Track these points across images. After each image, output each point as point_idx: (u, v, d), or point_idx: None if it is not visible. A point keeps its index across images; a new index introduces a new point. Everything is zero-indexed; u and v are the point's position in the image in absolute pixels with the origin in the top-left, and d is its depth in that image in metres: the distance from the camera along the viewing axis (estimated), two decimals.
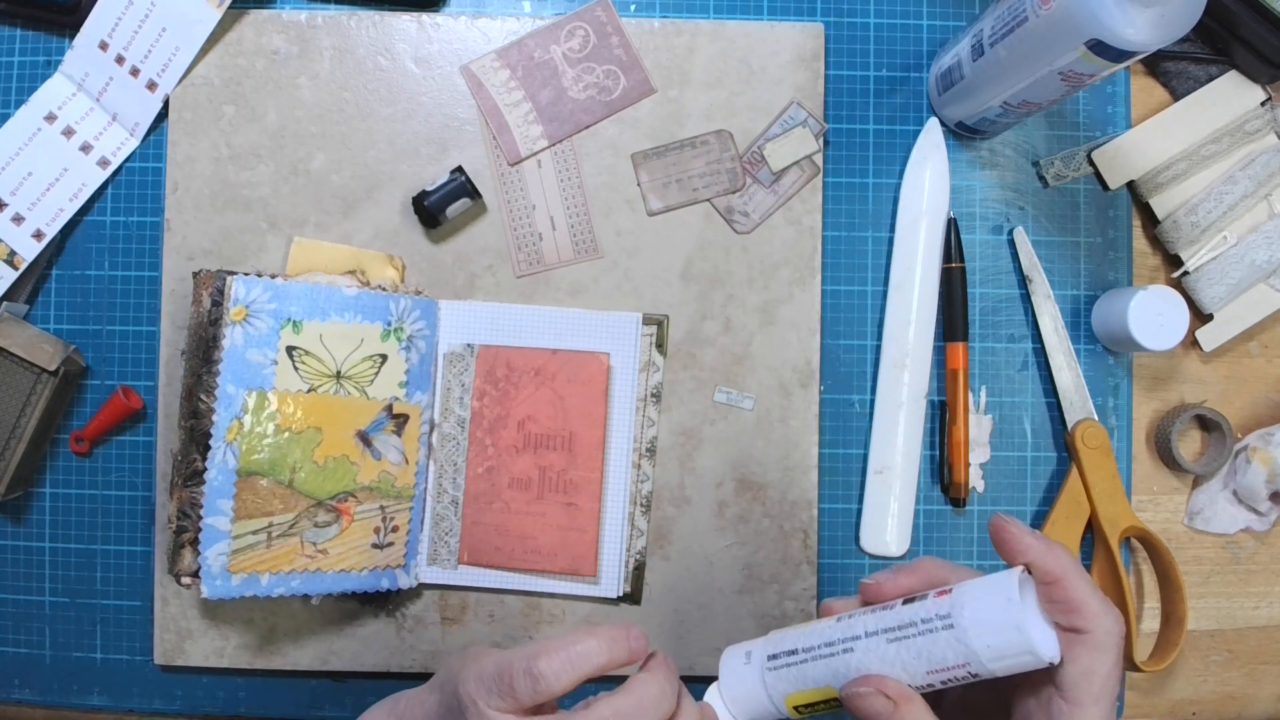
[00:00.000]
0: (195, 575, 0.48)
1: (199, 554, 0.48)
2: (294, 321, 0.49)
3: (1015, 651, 0.32)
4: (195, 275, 0.50)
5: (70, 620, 0.54)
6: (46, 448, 0.54)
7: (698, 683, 0.54)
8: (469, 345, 0.53)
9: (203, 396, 0.48)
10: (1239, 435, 0.57)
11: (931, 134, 0.55)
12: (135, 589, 0.54)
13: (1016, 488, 0.56)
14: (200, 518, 0.47)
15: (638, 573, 0.53)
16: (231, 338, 0.48)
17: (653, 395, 0.54)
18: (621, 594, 0.53)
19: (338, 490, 0.49)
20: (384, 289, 0.52)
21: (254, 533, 0.48)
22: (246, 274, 0.49)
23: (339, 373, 0.50)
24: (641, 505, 0.53)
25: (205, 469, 0.48)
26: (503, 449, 0.53)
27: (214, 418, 0.48)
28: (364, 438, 0.50)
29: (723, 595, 0.54)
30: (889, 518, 0.55)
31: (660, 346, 0.54)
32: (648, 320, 0.54)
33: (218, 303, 0.49)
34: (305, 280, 0.51)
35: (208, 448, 0.48)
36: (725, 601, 0.54)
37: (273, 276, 0.50)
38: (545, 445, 0.53)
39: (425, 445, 0.52)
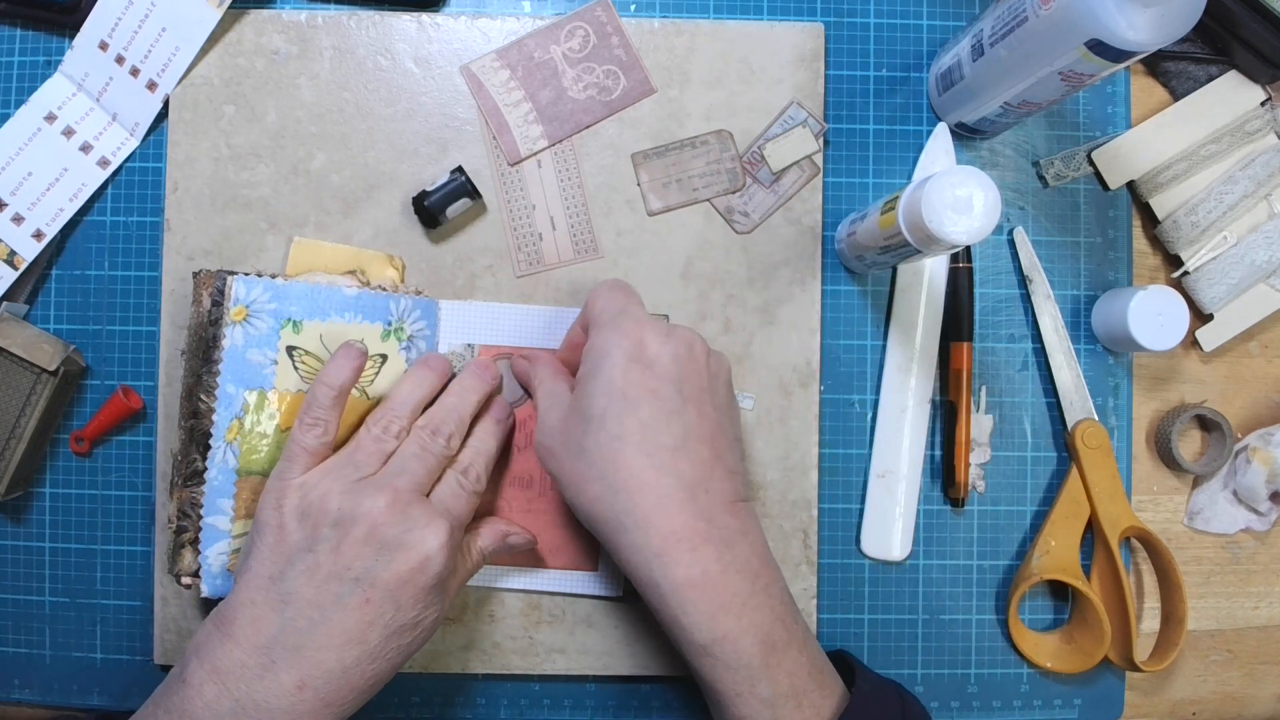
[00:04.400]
0: (195, 575, 0.48)
1: (199, 554, 0.48)
2: (294, 321, 0.49)
3: None
4: (195, 275, 0.50)
5: (70, 620, 0.54)
6: (46, 448, 0.54)
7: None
8: (469, 345, 0.53)
9: (203, 396, 0.48)
10: (1239, 435, 0.57)
11: (940, 139, 0.55)
12: (135, 589, 0.54)
13: (1016, 488, 0.56)
14: (200, 517, 0.47)
15: None
16: (231, 338, 0.48)
17: None
18: (623, 592, 0.53)
19: None
20: (384, 289, 0.52)
21: None
22: (247, 274, 0.49)
23: None
24: None
25: (205, 469, 0.48)
26: (503, 448, 0.53)
27: (214, 418, 0.48)
28: None
29: None
30: (891, 522, 0.55)
31: None
32: None
33: (218, 303, 0.49)
34: (305, 280, 0.51)
35: (208, 447, 0.48)
36: None
37: (273, 276, 0.50)
38: None
39: None
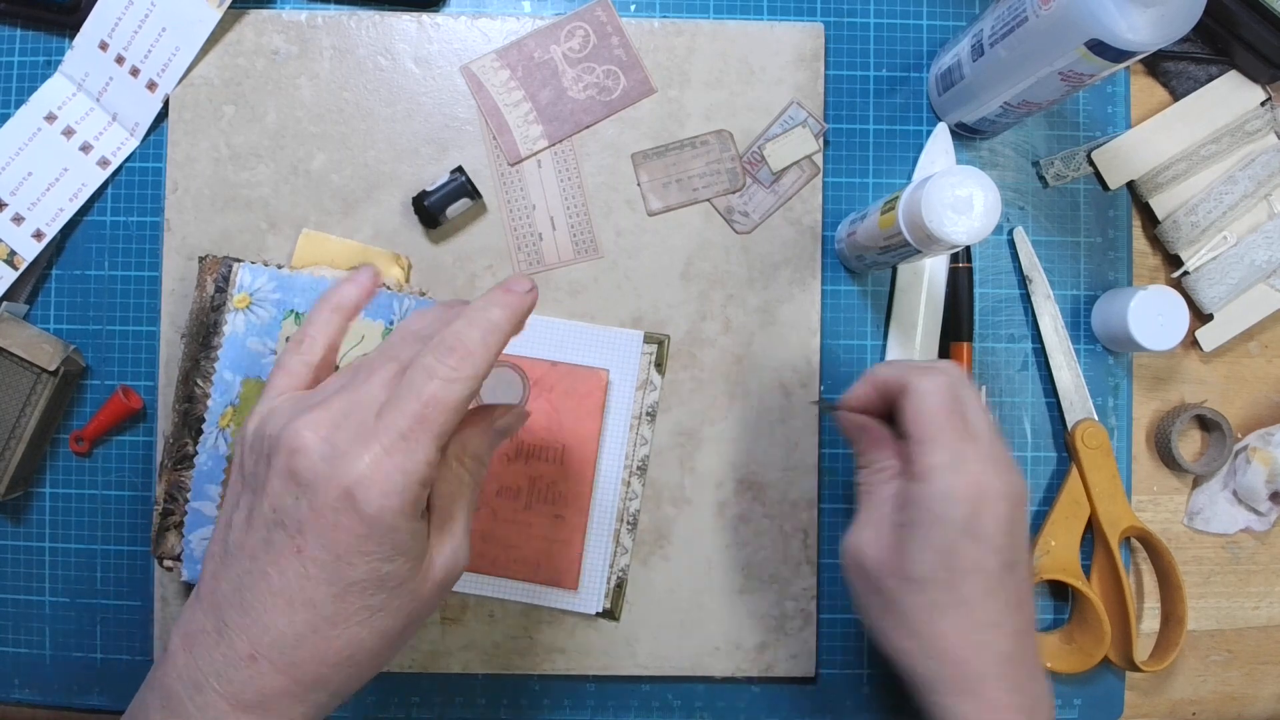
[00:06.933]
0: (177, 559, 0.48)
1: (183, 537, 0.48)
2: (296, 313, 0.49)
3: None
4: (201, 260, 0.50)
5: (70, 620, 0.54)
6: (46, 448, 0.54)
7: (699, 682, 0.55)
8: None
9: (199, 381, 0.48)
10: (1239, 435, 0.57)
11: (940, 139, 0.55)
12: (135, 589, 0.54)
13: None
14: (187, 501, 0.47)
15: (618, 590, 0.53)
16: (233, 324, 0.48)
17: (648, 414, 0.54)
18: (601, 610, 0.53)
19: None
20: (388, 287, 0.52)
21: None
22: (253, 262, 0.50)
23: (336, 368, 0.50)
24: (628, 523, 0.53)
25: (195, 453, 0.48)
26: (494, 456, 0.53)
27: (209, 403, 0.48)
28: None
29: (723, 595, 0.54)
30: None
31: (659, 366, 0.54)
32: (649, 339, 0.54)
33: (221, 289, 0.49)
34: (311, 273, 0.51)
35: (200, 432, 0.48)
36: (725, 601, 0.54)
37: (279, 267, 0.50)
38: (537, 456, 0.53)
39: None
